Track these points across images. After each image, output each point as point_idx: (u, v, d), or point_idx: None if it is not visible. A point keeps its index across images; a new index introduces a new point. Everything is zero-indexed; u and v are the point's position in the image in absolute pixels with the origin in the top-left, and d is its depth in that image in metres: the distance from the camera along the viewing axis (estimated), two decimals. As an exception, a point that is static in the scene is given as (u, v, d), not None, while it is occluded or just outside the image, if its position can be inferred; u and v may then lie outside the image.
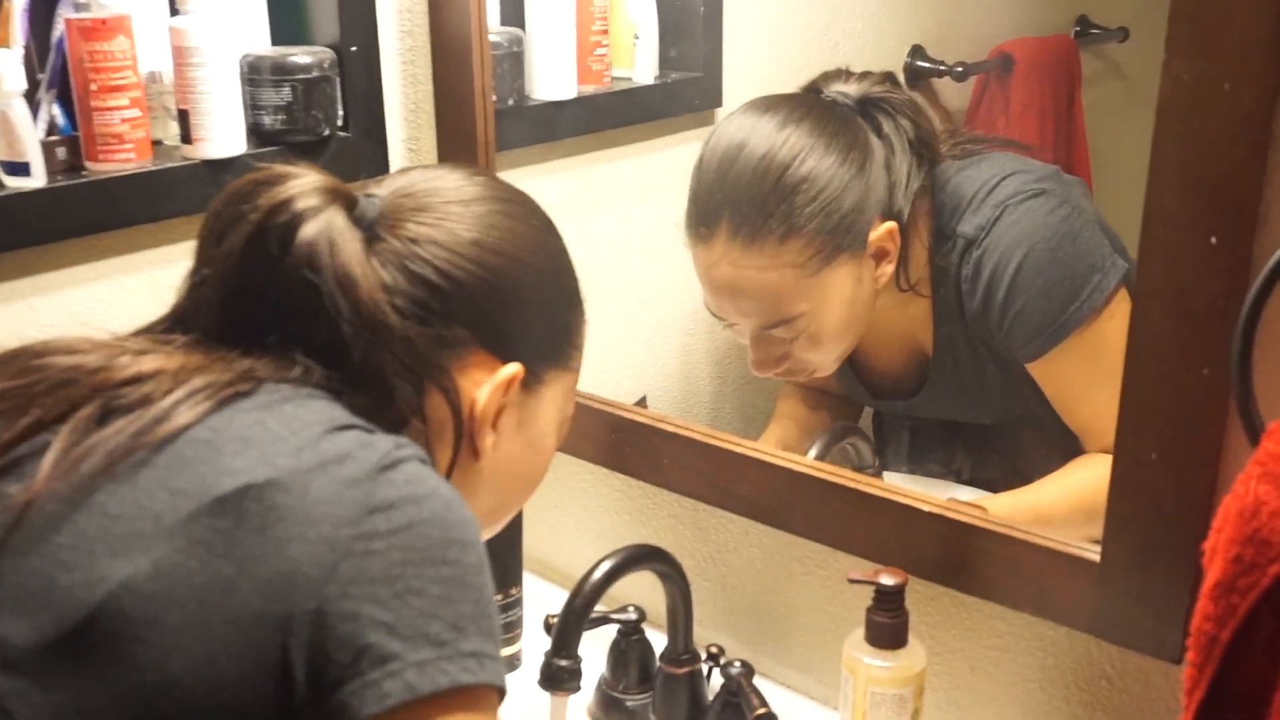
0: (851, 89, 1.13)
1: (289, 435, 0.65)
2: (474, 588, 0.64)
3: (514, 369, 0.77)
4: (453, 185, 0.78)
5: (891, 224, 1.09)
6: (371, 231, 0.74)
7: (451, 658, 0.61)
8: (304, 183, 0.72)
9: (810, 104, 1.12)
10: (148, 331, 0.75)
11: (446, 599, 0.62)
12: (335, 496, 0.63)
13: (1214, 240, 0.76)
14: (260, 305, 0.71)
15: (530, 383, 0.79)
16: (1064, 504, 1.05)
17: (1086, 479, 1.01)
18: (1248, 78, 0.73)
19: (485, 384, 0.76)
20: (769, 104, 1.12)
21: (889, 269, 1.11)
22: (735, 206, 1.08)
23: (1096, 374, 1.04)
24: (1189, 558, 0.81)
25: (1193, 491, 0.81)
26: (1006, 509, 1.05)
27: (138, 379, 0.67)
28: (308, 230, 0.70)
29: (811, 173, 1.07)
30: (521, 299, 0.78)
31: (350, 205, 0.73)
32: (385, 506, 0.63)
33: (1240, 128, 0.74)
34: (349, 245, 0.71)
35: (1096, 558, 0.88)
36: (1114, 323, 1.04)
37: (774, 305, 1.10)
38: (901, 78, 1.53)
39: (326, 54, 1.21)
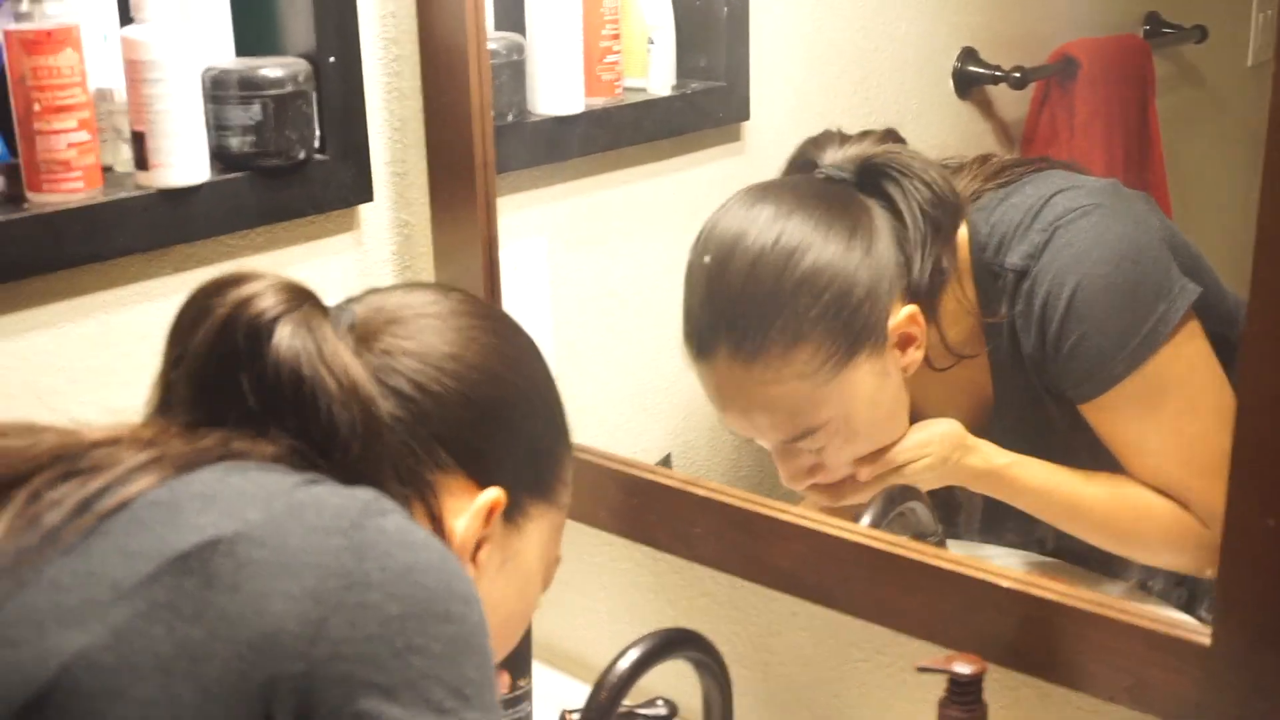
0: (848, 156, 1.15)
1: (256, 490, 0.67)
2: (478, 650, 0.65)
3: (494, 494, 0.80)
4: (427, 300, 0.84)
5: (912, 308, 1.11)
6: (348, 341, 0.78)
7: None
8: (268, 282, 0.74)
9: (802, 188, 1.14)
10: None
11: (450, 659, 0.63)
12: (318, 545, 0.64)
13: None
14: (234, 400, 0.73)
15: (513, 515, 0.82)
16: (1104, 507, 1.11)
17: (1132, 497, 1.09)
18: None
19: (464, 512, 0.79)
20: (757, 196, 1.13)
21: (917, 355, 1.13)
22: (730, 322, 1.10)
23: (1159, 421, 1.05)
24: (1316, 642, 0.80)
25: (1319, 564, 0.80)
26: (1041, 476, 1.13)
27: (106, 443, 0.69)
28: (286, 326, 0.72)
29: (812, 269, 1.08)
30: (502, 419, 0.82)
31: (323, 310, 0.77)
32: (377, 553, 0.64)
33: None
34: (336, 344, 0.74)
35: (1206, 641, 0.87)
36: (1181, 360, 1.05)
37: (791, 420, 1.12)
38: (950, 85, 1.54)
39: (301, 66, 1.20)
